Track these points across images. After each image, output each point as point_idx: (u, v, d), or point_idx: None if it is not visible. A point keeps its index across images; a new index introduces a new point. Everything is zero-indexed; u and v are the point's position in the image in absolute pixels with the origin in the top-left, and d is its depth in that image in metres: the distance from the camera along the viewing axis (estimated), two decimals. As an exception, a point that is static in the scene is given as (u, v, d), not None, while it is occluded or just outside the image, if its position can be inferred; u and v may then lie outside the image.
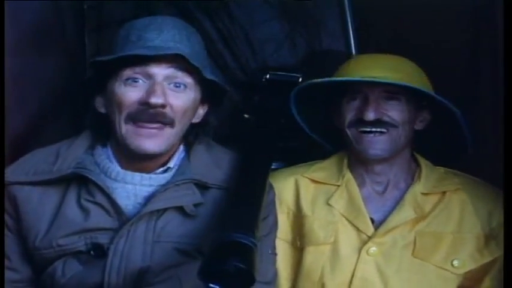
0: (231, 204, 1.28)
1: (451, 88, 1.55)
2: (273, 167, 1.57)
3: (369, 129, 1.49)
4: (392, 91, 1.49)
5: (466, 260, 1.48)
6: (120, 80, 1.28)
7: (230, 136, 1.87)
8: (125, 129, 1.28)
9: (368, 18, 1.97)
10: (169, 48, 1.28)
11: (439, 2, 1.72)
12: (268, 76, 1.96)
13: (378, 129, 1.49)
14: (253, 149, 1.52)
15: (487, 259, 1.48)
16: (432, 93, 1.49)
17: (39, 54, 1.65)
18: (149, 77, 1.28)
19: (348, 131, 1.52)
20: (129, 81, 1.28)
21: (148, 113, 1.27)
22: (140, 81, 1.28)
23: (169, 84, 1.29)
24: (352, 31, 2.02)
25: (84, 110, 1.41)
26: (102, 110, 1.35)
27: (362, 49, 1.99)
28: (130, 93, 1.28)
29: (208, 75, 1.32)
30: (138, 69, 1.27)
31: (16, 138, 1.47)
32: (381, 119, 1.48)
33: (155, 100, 1.25)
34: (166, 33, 1.30)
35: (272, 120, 1.77)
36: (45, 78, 1.69)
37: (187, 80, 1.30)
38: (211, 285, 1.10)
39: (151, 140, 1.28)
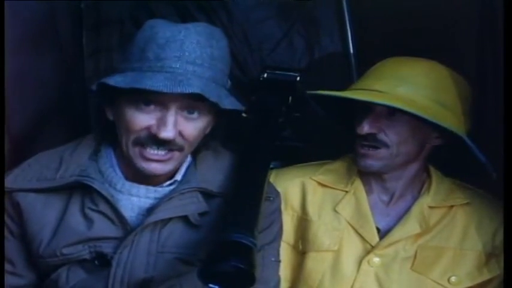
0: (230, 204, 1.28)
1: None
2: (271, 166, 1.57)
3: (367, 143, 1.46)
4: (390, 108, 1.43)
5: (463, 277, 1.47)
6: (131, 101, 1.21)
7: (228, 135, 1.87)
8: (132, 151, 1.24)
9: (366, 18, 1.97)
10: (188, 78, 1.18)
11: (438, 1, 1.73)
12: (266, 75, 1.96)
13: (373, 144, 1.46)
14: (252, 148, 1.51)
15: (485, 277, 1.47)
16: (426, 116, 1.37)
17: (38, 54, 1.65)
18: (162, 105, 1.20)
19: (354, 141, 1.50)
20: (141, 103, 1.20)
21: (157, 142, 1.21)
22: (152, 105, 1.20)
23: (182, 111, 1.22)
24: (351, 30, 2.02)
25: (84, 112, 1.39)
26: (110, 118, 1.30)
27: (360, 48, 1.99)
28: (140, 119, 1.21)
29: (224, 106, 1.22)
30: (151, 96, 1.19)
31: (17, 138, 1.47)
32: (375, 135, 1.45)
33: (165, 135, 1.19)
34: (188, 55, 1.20)
35: (270, 119, 1.76)
36: (44, 78, 1.69)
37: (202, 109, 1.23)
38: (211, 285, 1.11)
39: (159, 164, 1.24)
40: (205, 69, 1.22)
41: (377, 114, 1.46)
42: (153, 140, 1.21)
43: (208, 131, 1.33)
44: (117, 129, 1.28)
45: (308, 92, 1.56)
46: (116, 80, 1.20)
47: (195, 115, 1.24)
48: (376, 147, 1.46)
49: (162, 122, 1.20)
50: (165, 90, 1.15)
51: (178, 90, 1.16)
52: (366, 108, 1.46)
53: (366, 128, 1.45)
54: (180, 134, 1.23)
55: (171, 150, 1.24)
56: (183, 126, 1.22)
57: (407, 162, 1.50)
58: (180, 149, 1.25)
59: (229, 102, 1.24)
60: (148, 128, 1.21)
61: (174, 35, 1.21)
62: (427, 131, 1.47)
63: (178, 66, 1.20)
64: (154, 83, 1.16)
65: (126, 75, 1.21)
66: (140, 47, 1.23)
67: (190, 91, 1.16)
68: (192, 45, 1.21)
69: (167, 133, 1.19)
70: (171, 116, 1.20)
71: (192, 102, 1.21)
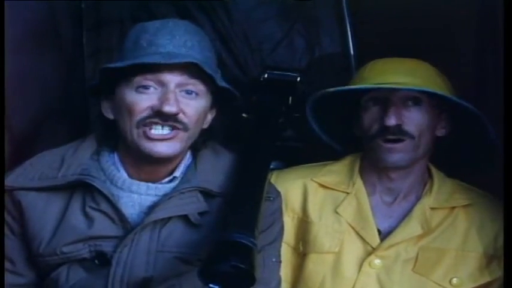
0: (231, 204, 1.28)
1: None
2: (271, 166, 1.56)
3: (392, 137, 1.45)
4: (413, 97, 1.45)
5: (465, 279, 1.46)
6: (131, 87, 1.26)
7: (228, 135, 1.87)
8: (136, 133, 1.26)
9: (366, 18, 1.97)
10: (182, 55, 1.25)
11: (438, 1, 1.73)
12: (266, 75, 1.96)
13: (399, 136, 1.44)
14: (252, 148, 1.51)
15: (486, 279, 1.47)
16: (454, 97, 1.45)
17: (38, 54, 1.65)
18: (161, 84, 1.25)
19: (371, 141, 1.48)
20: (141, 88, 1.25)
21: (161, 119, 1.24)
22: (152, 88, 1.25)
23: (180, 91, 1.26)
24: (351, 30, 2.02)
25: (84, 112, 1.40)
26: (110, 116, 1.32)
27: (361, 49, 1.99)
28: (142, 100, 1.25)
29: (221, 83, 1.29)
30: (150, 76, 1.24)
31: (17, 138, 1.47)
32: (400, 126, 1.44)
33: (169, 109, 1.23)
34: (178, 38, 1.27)
35: (270, 120, 1.76)
36: (44, 78, 1.69)
37: (200, 87, 1.28)
38: (212, 285, 1.11)
39: (164, 143, 1.26)
40: (196, 52, 1.28)
41: (397, 106, 1.45)
42: (157, 115, 1.24)
43: (207, 125, 1.35)
44: (118, 123, 1.30)
45: (328, 90, 1.53)
46: (115, 64, 1.27)
47: (193, 95, 1.28)
48: (401, 140, 1.45)
49: (164, 98, 1.24)
50: (162, 61, 1.22)
51: (175, 60, 1.23)
52: (384, 103, 1.46)
53: (392, 119, 1.44)
54: (183, 113, 1.26)
55: (175, 128, 1.26)
56: (185, 105, 1.26)
57: (422, 155, 1.49)
58: (185, 128, 1.27)
59: (223, 84, 1.30)
60: (151, 107, 1.25)
61: (163, 24, 1.30)
62: (436, 121, 1.49)
63: (171, 48, 1.27)
64: (152, 58, 1.23)
65: (123, 62, 1.26)
66: (133, 40, 1.29)
67: (186, 60, 1.23)
68: (181, 31, 1.29)
69: (170, 107, 1.23)
70: (172, 93, 1.24)
71: (190, 80, 1.26)
